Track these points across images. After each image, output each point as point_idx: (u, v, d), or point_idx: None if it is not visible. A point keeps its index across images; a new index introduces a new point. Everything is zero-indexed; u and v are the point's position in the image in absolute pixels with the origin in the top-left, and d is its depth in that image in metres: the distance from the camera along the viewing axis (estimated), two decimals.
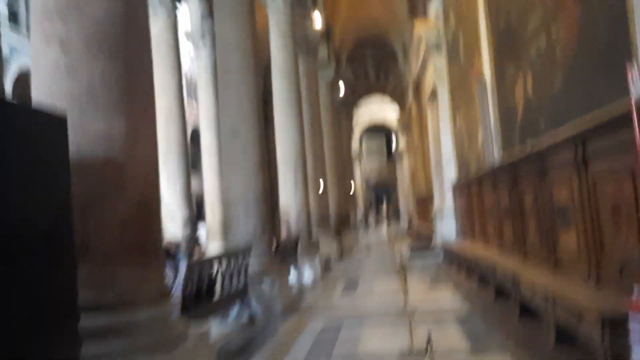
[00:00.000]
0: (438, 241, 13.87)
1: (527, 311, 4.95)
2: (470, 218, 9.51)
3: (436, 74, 12.84)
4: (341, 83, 23.98)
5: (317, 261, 11.50)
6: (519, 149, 6.17)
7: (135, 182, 3.41)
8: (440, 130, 12.92)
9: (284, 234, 10.02)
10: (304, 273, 11.01)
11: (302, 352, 5.14)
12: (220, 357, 5.00)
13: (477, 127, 8.75)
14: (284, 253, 9.21)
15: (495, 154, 7.27)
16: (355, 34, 24.13)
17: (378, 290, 8.73)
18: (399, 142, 39.14)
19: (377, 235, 27.08)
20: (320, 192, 14.15)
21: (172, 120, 14.36)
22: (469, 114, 9.54)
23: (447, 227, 12.54)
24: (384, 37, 25.11)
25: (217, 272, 6.17)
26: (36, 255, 2.09)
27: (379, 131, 45.20)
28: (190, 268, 4.79)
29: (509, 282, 5.37)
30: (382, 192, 45.78)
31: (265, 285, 7.18)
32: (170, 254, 5.35)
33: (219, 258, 6.09)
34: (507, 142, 6.67)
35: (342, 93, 23.77)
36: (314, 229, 13.13)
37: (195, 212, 21.10)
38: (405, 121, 28.00)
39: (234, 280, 6.65)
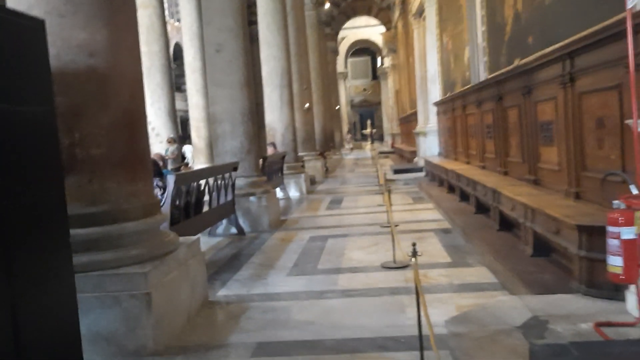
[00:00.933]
0: (420, 160, 14.05)
1: (506, 226, 5.13)
2: (454, 136, 9.59)
3: None
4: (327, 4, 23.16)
5: (302, 179, 11.64)
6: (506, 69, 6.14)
7: (119, 94, 3.35)
8: (426, 49, 12.71)
9: (269, 152, 10.04)
10: (290, 190, 11.19)
11: (290, 260, 5.31)
12: (210, 267, 5.16)
13: (464, 46, 8.62)
14: (270, 171, 9.29)
15: (481, 74, 7.22)
16: None
17: (362, 206, 8.92)
18: (383, 63, 38.61)
19: (360, 155, 27.28)
20: (306, 109, 14.06)
21: (153, 37, 13.91)
22: (456, 32, 9.36)
23: (430, 146, 12.67)
24: None
25: (205, 187, 6.24)
26: (21, 166, 2.07)
27: (364, 52, 44.45)
28: (178, 181, 4.82)
29: (490, 197, 5.52)
30: (366, 112, 45.72)
31: (252, 201, 7.29)
32: (158, 168, 5.35)
33: (206, 172, 6.13)
34: (494, 62, 6.61)
35: (327, 6, 22.97)
36: (300, 148, 13.17)
37: (181, 132, 20.92)
38: (390, 40, 27.39)
39: (222, 195, 6.74)
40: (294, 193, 11.28)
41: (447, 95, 10.12)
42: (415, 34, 14.53)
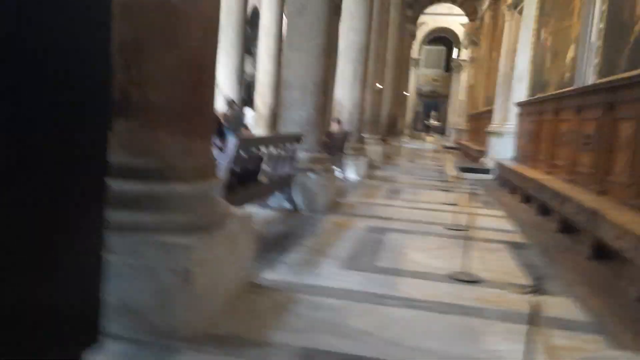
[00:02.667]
0: (489, 161, 13.18)
1: (602, 255, 4.42)
2: (536, 142, 8.75)
3: None
4: None
5: (362, 162, 11.07)
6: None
7: (191, 32, 2.86)
8: (518, 44, 11.74)
9: (334, 129, 9.51)
10: (348, 172, 10.64)
11: (345, 250, 4.80)
12: (259, 243, 4.72)
13: (569, 44, 7.73)
14: (332, 149, 8.76)
15: (588, 77, 6.38)
16: None
17: (424, 201, 8.28)
18: (460, 54, 37.11)
19: (422, 146, 26.35)
20: (378, 90, 13.41)
21: None
22: (560, 28, 8.44)
23: (503, 148, 11.79)
24: None
25: (266, 155, 5.78)
26: (67, 97, 1.60)
27: (441, 41, 42.87)
28: (239, 145, 4.36)
29: (584, 219, 4.80)
30: (433, 103, 44.33)
31: (311, 178, 6.80)
32: (220, 127, 4.92)
33: (270, 140, 5.66)
34: (608, 66, 5.77)
35: None
36: (364, 130, 12.57)
37: (246, 97, 20.63)
38: (473, 32, 26.07)
39: (281, 166, 6.28)
40: (352, 175, 10.73)
41: (536, 97, 9.24)
42: (506, 27, 13.50)
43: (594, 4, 6.35)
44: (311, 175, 6.81)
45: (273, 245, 4.83)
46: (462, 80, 34.25)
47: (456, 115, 33.04)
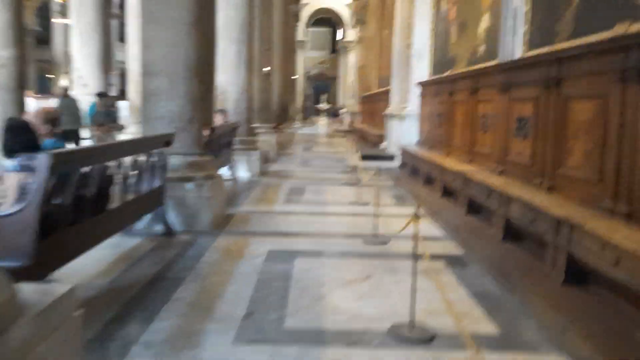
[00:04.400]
0: (391, 147, 12.31)
1: (579, 278, 3.37)
2: (447, 126, 7.83)
3: None
4: None
5: (255, 157, 9.61)
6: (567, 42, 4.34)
7: None
8: (414, 18, 10.82)
9: (218, 122, 7.95)
10: (239, 170, 9.15)
11: (240, 300, 3.38)
12: (112, 300, 3.16)
13: (480, 13, 6.80)
14: (217, 146, 7.21)
15: (516, 49, 5.41)
16: None
17: (332, 202, 7.04)
18: (345, 36, 36.57)
19: (315, 131, 25.32)
20: (266, 73, 11.97)
21: None
22: None
23: (406, 132, 10.90)
24: None
25: (122, 168, 4.15)
26: None
27: (325, 22, 42.15)
28: (56, 164, 2.71)
29: (544, 225, 3.76)
30: (322, 85, 43.64)
31: (190, 189, 5.25)
32: (30, 137, 3.25)
33: (117, 149, 4.03)
34: (544, 32, 4.81)
35: None
36: (254, 119, 11.08)
37: (121, 88, 17.98)
38: (359, 10, 25.33)
39: (144, 180, 4.68)
40: (243, 173, 9.25)
41: (443, 75, 8.31)
42: (398, 1, 12.58)
43: None
44: (189, 185, 5.26)
45: (133, 302, 3.29)
46: (351, 62, 33.71)
47: (347, 97, 32.43)
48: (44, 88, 26.29)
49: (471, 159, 6.60)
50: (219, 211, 5.69)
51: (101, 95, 10.56)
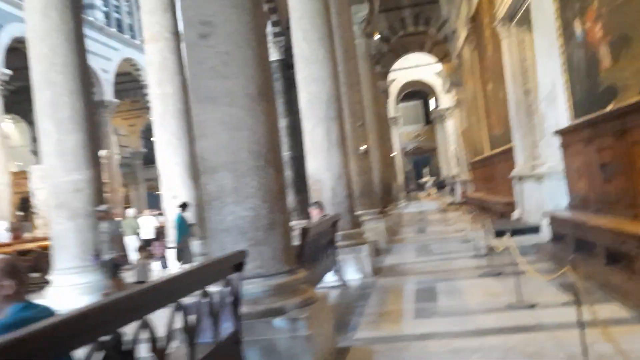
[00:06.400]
0: (526, 215, 10.04)
1: None
2: (624, 178, 5.65)
3: None
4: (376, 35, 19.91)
5: (364, 253, 7.83)
6: None
7: None
8: (537, 56, 8.94)
9: (314, 217, 6.37)
10: (347, 272, 7.38)
11: None
12: None
13: None
14: (314, 251, 5.56)
15: None
16: None
17: (479, 308, 5.03)
18: (439, 103, 35.01)
19: (423, 207, 23.20)
20: (363, 152, 10.43)
21: (166, 76, 10.92)
22: (620, 2, 5.58)
23: (548, 194, 8.67)
24: None
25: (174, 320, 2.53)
26: None
27: (414, 95, 41.13)
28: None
29: None
30: (421, 160, 41.86)
31: (280, 327, 3.55)
32: None
33: (133, 303, 2.41)
34: None
35: (376, 37, 19.69)
36: (356, 207, 9.41)
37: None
38: (453, 72, 23.73)
39: (206, 330, 3.04)
40: (353, 275, 7.46)
41: (601, 113, 6.20)
42: (504, 47, 10.76)
43: None
44: (278, 322, 3.57)
45: None
46: (449, 129, 31.84)
47: (452, 166, 30.24)
48: (155, 204, 26.75)
49: None
50: (326, 349, 3.90)
51: (184, 206, 9.46)
